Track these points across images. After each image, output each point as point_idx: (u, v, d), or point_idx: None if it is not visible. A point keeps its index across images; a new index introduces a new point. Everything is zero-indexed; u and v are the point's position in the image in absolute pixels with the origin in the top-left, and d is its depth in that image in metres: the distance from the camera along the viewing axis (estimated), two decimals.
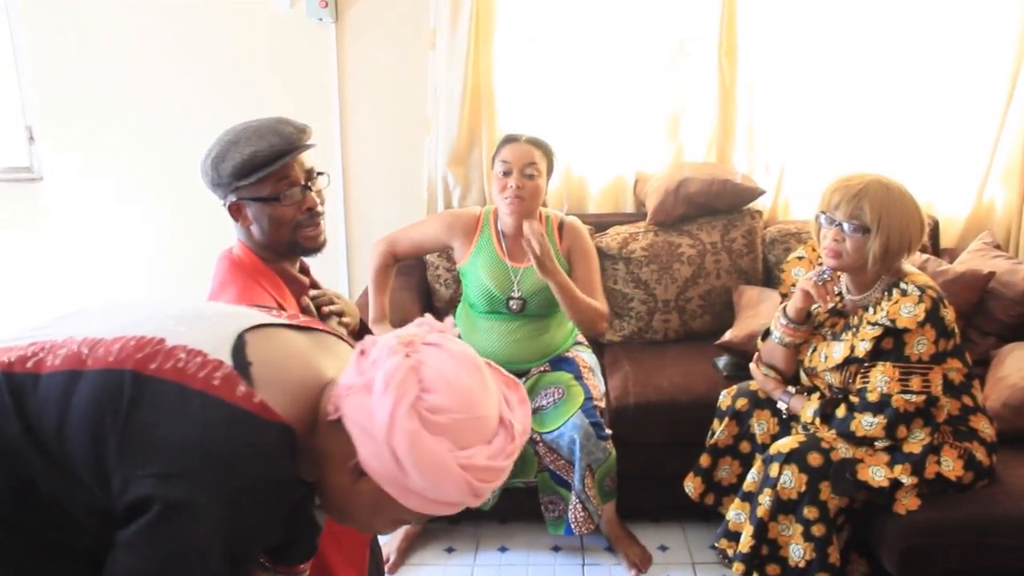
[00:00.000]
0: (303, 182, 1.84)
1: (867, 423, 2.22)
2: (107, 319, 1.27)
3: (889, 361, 2.21)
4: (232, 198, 1.84)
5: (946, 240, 3.43)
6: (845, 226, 2.21)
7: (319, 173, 1.90)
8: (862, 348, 2.24)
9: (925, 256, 3.02)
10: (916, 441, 2.23)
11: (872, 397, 2.22)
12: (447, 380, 1.11)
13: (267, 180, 1.80)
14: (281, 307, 1.84)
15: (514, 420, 1.17)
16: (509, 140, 2.75)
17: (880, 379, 2.21)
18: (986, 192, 3.41)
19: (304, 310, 1.92)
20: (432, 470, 1.08)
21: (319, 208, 1.88)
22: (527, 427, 1.19)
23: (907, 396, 2.19)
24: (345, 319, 1.97)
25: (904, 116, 3.37)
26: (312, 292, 1.99)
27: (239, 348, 1.19)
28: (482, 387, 1.15)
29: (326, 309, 1.95)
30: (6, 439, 1.17)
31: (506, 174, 2.69)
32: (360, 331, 2.02)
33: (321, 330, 1.35)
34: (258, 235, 1.87)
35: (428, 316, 1.24)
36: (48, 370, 1.19)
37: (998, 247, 3.15)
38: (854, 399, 2.27)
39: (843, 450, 2.25)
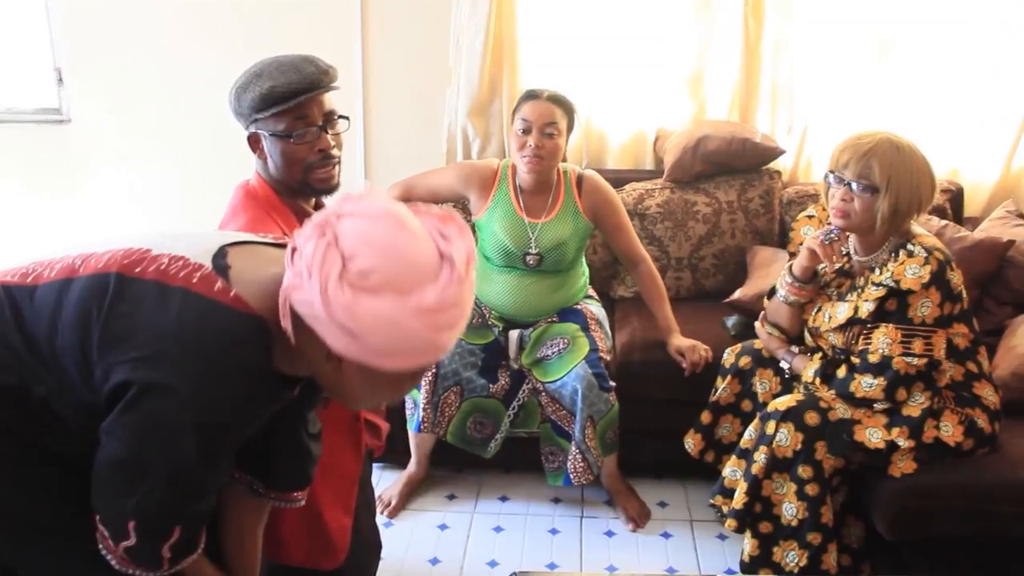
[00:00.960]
0: (320, 123, 1.85)
1: (867, 384, 2.21)
2: (105, 239, 1.35)
3: (892, 323, 2.18)
4: (251, 129, 1.87)
5: (971, 209, 3.36)
6: (854, 185, 2.18)
7: (340, 116, 1.91)
8: (866, 309, 2.22)
9: (944, 222, 2.96)
10: (916, 405, 2.21)
11: (873, 358, 2.20)
12: (366, 242, 1.12)
13: (283, 116, 1.81)
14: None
15: (452, 250, 1.16)
16: (530, 96, 2.72)
17: (882, 340, 2.19)
18: (1015, 161, 3.33)
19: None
20: (386, 328, 1.10)
21: (333, 151, 1.89)
22: (470, 251, 1.18)
23: (908, 359, 2.16)
24: None
25: (932, 79, 3.30)
26: None
27: (220, 255, 1.27)
28: (406, 234, 1.14)
29: None
30: (7, 348, 1.27)
31: (525, 132, 2.67)
32: None
33: None
34: (272, 169, 1.89)
35: (345, 193, 1.23)
36: (44, 281, 1.29)
37: (1021, 216, 3.08)
38: (855, 360, 2.26)
39: (841, 410, 2.23)
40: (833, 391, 2.27)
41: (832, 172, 2.24)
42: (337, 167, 1.92)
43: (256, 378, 1.23)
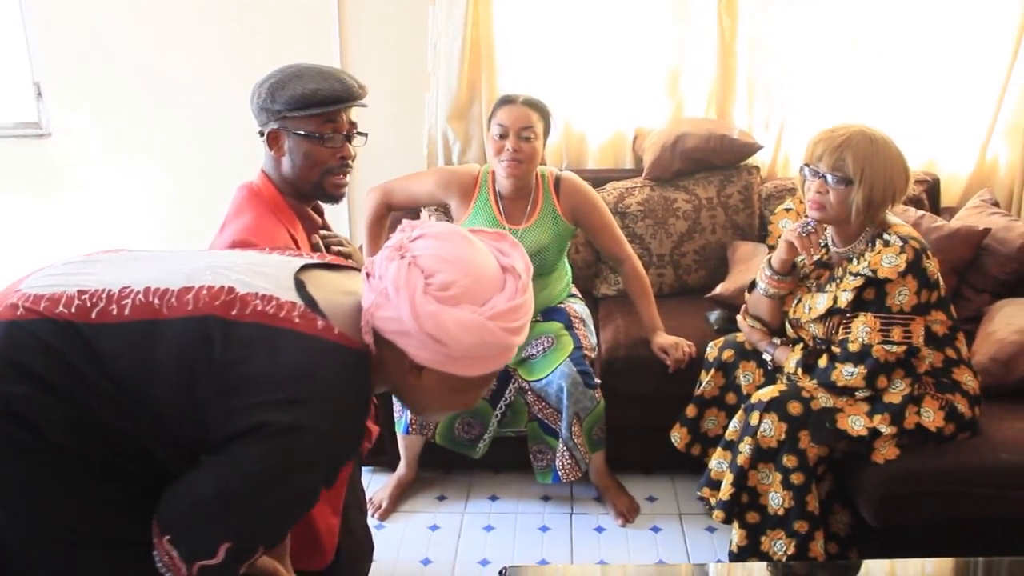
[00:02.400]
0: (345, 132, 1.92)
1: (847, 373, 2.23)
2: (154, 267, 1.36)
3: (871, 312, 2.21)
4: (274, 125, 1.89)
5: (948, 199, 3.40)
6: (828, 178, 2.21)
7: (360, 132, 1.98)
8: (844, 299, 2.25)
9: (920, 212, 3.00)
10: (896, 391, 2.24)
11: (853, 347, 2.23)
12: (442, 259, 1.25)
13: (317, 118, 1.87)
14: (295, 240, 1.91)
15: (513, 262, 1.32)
16: (505, 101, 2.73)
17: (861, 329, 2.22)
18: (989, 150, 3.38)
19: (314, 247, 2.00)
20: (469, 333, 1.23)
21: (351, 161, 1.96)
22: (527, 264, 1.34)
23: (888, 347, 2.19)
24: (351, 262, 2.01)
25: (907, 72, 3.34)
26: (322, 232, 2.05)
27: (301, 287, 1.32)
28: (474, 250, 1.29)
29: (335, 248, 2.04)
30: (84, 383, 1.25)
31: (502, 137, 2.69)
32: None
33: (345, 266, 1.49)
34: (287, 168, 1.92)
35: (404, 221, 1.36)
36: (116, 320, 1.27)
37: (996, 204, 3.13)
38: (836, 350, 2.28)
39: (823, 399, 2.26)
40: (815, 381, 2.30)
41: (807, 165, 2.27)
42: (349, 177, 1.98)
43: (366, 405, 1.34)
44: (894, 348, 2.19)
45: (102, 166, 3.71)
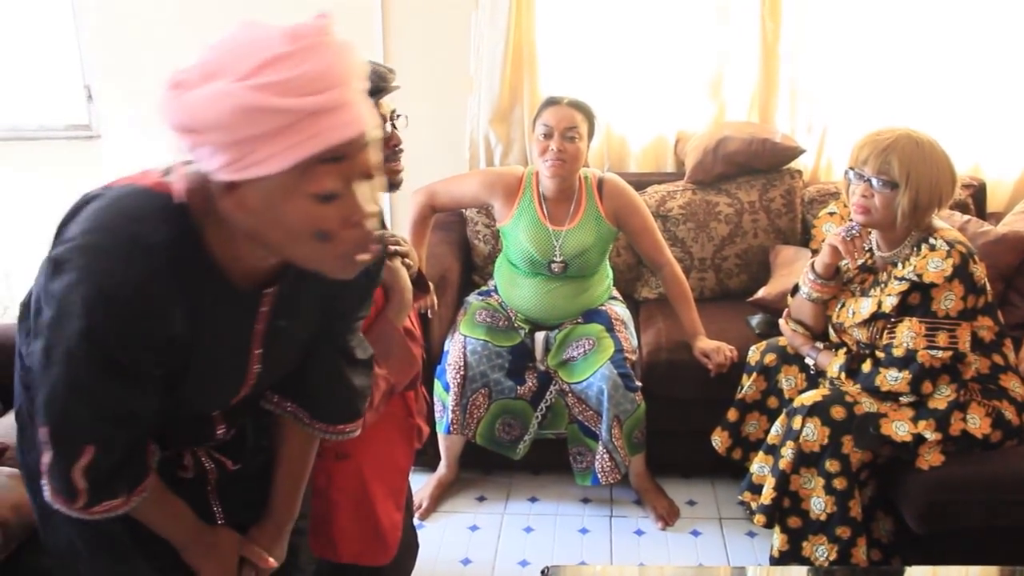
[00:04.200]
0: (386, 121, 1.91)
1: (892, 378, 2.22)
2: None
3: (916, 316, 2.20)
4: None
5: (994, 204, 3.36)
6: (874, 181, 2.20)
7: (399, 115, 1.96)
8: (889, 303, 2.23)
9: (967, 217, 2.97)
10: (941, 397, 2.22)
11: (898, 352, 2.22)
12: (208, 48, 1.11)
13: None
14: None
15: (300, 26, 1.09)
16: (550, 103, 2.76)
17: (906, 334, 2.20)
18: None
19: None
20: (215, 103, 1.03)
21: (400, 146, 1.94)
22: (322, 24, 1.11)
23: (933, 352, 2.18)
24: (408, 260, 2.02)
25: (952, 76, 3.30)
26: (379, 230, 2.06)
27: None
28: (239, 31, 1.11)
29: (392, 248, 1.99)
30: None
31: (547, 137, 2.71)
32: (417, 277, 2.07)
33: None
34: None
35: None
36: None
37: None
38: (880, 354, 2.27)
39: (867, 404, 2.25)
40: (858, 386, 2.29)
41: (852, 169, 2.26)
42: (403, 160, 1.96)
43: (150, 253, 1.12)
44: (939, 353, 2.18)
45: (152, 167, 3.77)
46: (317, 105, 1.02)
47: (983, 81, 3.30)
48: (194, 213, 1.15)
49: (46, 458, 1.20)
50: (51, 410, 1.17)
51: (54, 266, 1.12)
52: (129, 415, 1.20)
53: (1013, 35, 3.24)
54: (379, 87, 1.85)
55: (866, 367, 2.29)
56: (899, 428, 2.22)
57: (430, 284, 2.79)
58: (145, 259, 1.11)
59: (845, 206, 2.46)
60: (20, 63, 3.76)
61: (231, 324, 1.26)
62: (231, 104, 1.01)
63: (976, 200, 3.22)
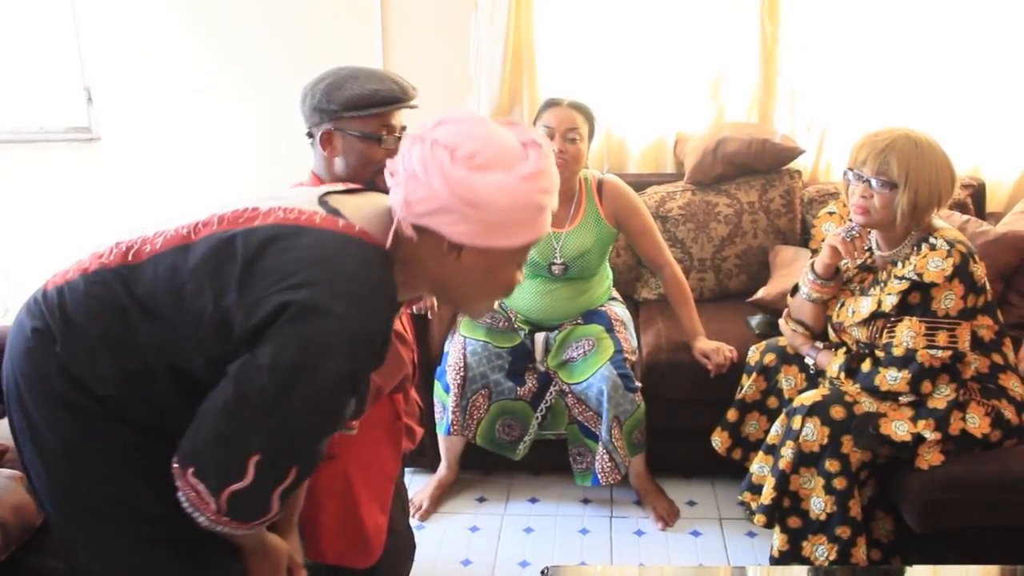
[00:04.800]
0: (397, 134, 1.93)
1: (891, 378, 2.22)
2: (196, 210, 1.40)
3: (916, 316, 2.20)
4: (328, 126, 1.88)
5: (993, 204, 3.36)
6: (872, 182, 2.20)
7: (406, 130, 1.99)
8: (889, 302, 2.23)
9: (966, 217, 2.97)
10: (941, 397, 2.22)
11: (897, 352, 2.22)
12: (464, 134, 1.28)
13: (374, 119, 1.87)
14: None
15: (533, 136, 1.33)
16: (551, 104, 2.76)
17: (906, 334, 2.20)
18: None
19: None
20: (503, 194, 1.25)
21: None
22: (547, 141, 1.34)
23: (933, 351, 2.18)
24: None
25: (952, 76, 3.31)
26: None
27: (324, 202, 1.35)
28: (493, 125, 1.32)
29: None
30: (129, 329, 1.31)
31: (548, 138, 2.71)
32: None
33: (366, 190, 1.50)
34: (340, 168, 1.92)
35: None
36: (149, 255, 1.33)
37: None
38: (880, 354, 2.27)
39: (867, 404, 2.25)
40: (858, 385, 2.29)
41: (851, 169, 2.26)
42: None
43: (389, 301, 1.31)
44: (939, 353, 2.18)
45: (152, 170, 3.78)
46: (552, 205, 1.33)
47: (982, 81, 3.30)
48: (392, 260, 1.33)
49: (238, 484, 1.22)
50: (277, 441, 1.22)
51: (305, 310, 1.20)
52: (334, 429, 1.33)
53: (1012, 35, 3.24)
54: (399, 97, 1.87)
55: (866, 367, 2.29)
56: (898, 428, 2.22)
57: None
58: (389, 307, 1.31)
59: (845, 206, 2.46)
60: (20, 65, 3.77)
61: None
62: (519, 198, 1.27)
63: (975, 200, 3.22)
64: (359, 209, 1.35)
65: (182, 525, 1.29)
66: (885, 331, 2.27)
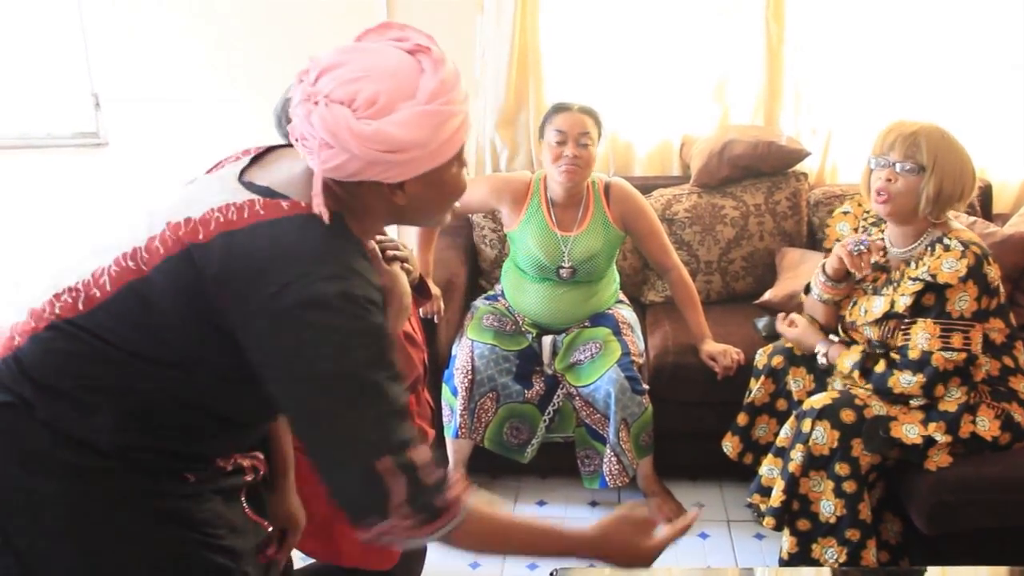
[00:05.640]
0: None
1: (905, 381, 2.22)
2: (114, 237, 1.33)
3: (930, 318, 2.19)
4: None
5: (1000, 205, 3.37)
6: (899, 166, 2.19)
7: None
8: (902, 303, 2.23)
9: (972, 218, 2.97)
10: (952, 399, 2.22)
11: (913, 355, 2.21)
12: (350, 80, 1.22)
13: None
14: None
15: (415, 41, 1.29)
16: (562, 109, 2.76)
17: (921, 336, 2.20)
18: None
19: (371, 253, 2.00)
20: (418, 127, 1.22)
21: None
22: (428, 38, 1.31)
23: (947, 354, 2.17)
24: (408, 265, 2.02)
25: (958, 78, 3.31)
26: (378, 236, 2.06)
27: (250, 184, 1.30)
28: (375, 55, 1.26)
29: (390, 253, 2.00)
30: (114, 369, 1.26)
31: (561, 143, 2.71)
32: (419, 283, 2.08)
33: (275, 147, 1.44)
34: None
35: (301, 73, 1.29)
36: (102, 299, 1.26)
37: None
38: (895, 356, 2.26)
39: (876, 407, 2.25)
40: (870, 386, 2.28)
41: (875, 156, 2.25)
42: None
43: (363, 256, 1.30)
44: (954, 355, 2.17)
45: (160, 176, 3.79)
46: (467, 105, 1.30)
47: (988, 83, 3.30)
48: (344, 216, 1.30)
49: (399, 491, 1.18)
50: (377, 436, 1.19)
51: (302, 309, 1.18)
52: (405, 402, 1.27)
53: (1017, 37, 3.24)
54: None
55: (879, 368, 2.28)
56: (909, 431, 2.22)
57: (436, 289, 2.81)
58: (365, 262, 1.29)
59: (860, 205, 2.46)
60: (28, 71, 3.77)
61: None
62: (434, 121, 1.23)
63: (982, 201, 3.23)
64: (288, 177, 1.31)
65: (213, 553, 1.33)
66: (899, 333, 2.26)
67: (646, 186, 3.28)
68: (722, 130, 3.37)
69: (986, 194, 3.26)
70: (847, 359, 2.35)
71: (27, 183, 3.86)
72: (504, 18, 3.34)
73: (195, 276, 1.22)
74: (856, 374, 2.32)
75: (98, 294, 1.27)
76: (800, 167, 3.34)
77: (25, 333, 1.29)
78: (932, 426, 2.21)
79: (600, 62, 3.44)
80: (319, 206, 1.22)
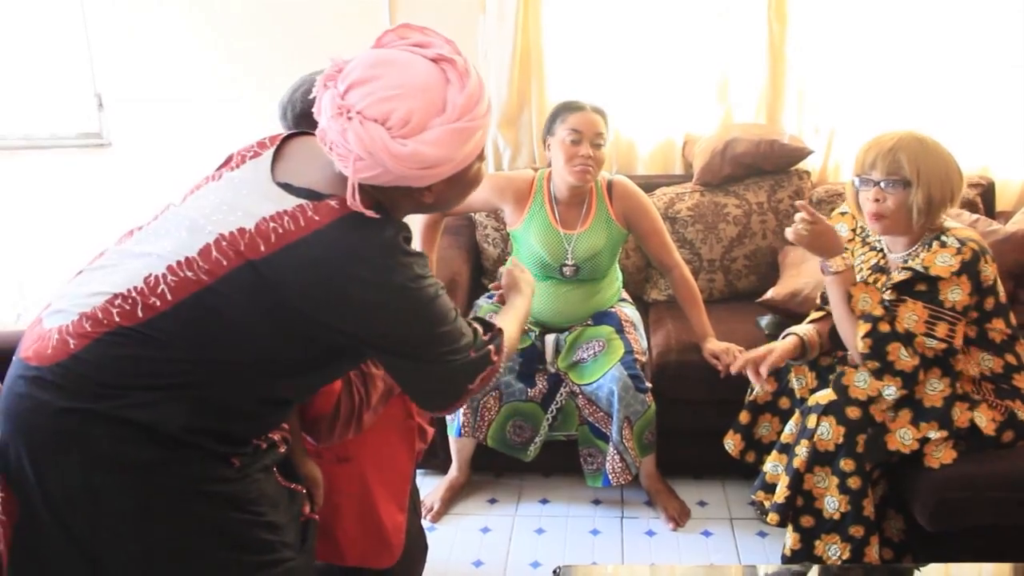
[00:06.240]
0: None
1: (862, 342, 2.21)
2: (152, 246, 1.39)
3: (922, 301, 2.19)
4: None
5: (1003, 203, 3.36)
6: (884, 183, 2.19)
7: None
8: (888, 284, 2.24)
9: (975, 216, 2.97)
10: (936, 393, 2.21)
11: (898, 327, 2.20)
12: (383, 99, 1.29)
13: None
14: None
15: (437, 50, 1.35)
16: (576, 108, 2.74)
17: (908, 316, 2.19)
18: None
19: None
20: (450, 144, 1.31)
21: None
22: (448, 40, 1.39)
23: (928, 341, 2.17)
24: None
25: (961, 75, 3.31)
26: None
27: (288, 186, 1.37)
28: (403, 69, 1.32)
29: None
30: (188, 370, 1.32)
31: (575, 142, 2.70)
32: None
33: (290, 136, 1.53)
34: None
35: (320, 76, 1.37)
36: (164, 308, 1.31)
37: None
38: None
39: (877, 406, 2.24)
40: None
41: (858, 176, 2.26)
42: None
43: (410, 239, 1.42)
44: (933, 344, 2.17)
45: (163, 176, 3.80)
46: (490, 115, 1.39)
47: (991, 81, 3.30)
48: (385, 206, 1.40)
49: (485, 350, 1.53)
50: (464, 340, 1.49)
51: (395, 290, 1.37)
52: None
53: (1020, 35, 3.24)
54: None
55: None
56: (904, 437, 2.21)
57: None
58: (407, 247, 1.40)
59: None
60: (31, 72, 3.79)
61: None
62: (464, 137, 1.32)
63: (985, 199, 3.22)
64: (322, 175, 1.39)
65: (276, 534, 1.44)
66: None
67: (649, 184, 3.28)
68: (724, 128, 3.37)
69: (989, 192, 3.26)
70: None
71: (31, 184, 3.88)
72: (506, 18, 3.35)
73: (267, 289, 1.31)
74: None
75: (158, 303, 1.31)
76: (803, 165, 3.34)
77: (83, 336, 1.31)
78: (924, 426, 2.20)
79: (602, 61, 3.44)
80: (356, 206, 1.32)
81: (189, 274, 1.31)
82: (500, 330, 1.60)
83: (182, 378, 1.32)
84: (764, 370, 2.42)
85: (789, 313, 2.83)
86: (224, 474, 1.38)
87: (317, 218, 1.32)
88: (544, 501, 2.93)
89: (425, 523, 2.75)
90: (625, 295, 3.05)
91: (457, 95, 1.30)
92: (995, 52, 3.27)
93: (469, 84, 1.32)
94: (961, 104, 3.33)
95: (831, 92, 3.38)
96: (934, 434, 2.19)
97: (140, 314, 1.31)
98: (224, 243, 1.32)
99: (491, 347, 1.54)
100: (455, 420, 2.77)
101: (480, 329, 1.55)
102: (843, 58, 3.34)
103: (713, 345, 2.77)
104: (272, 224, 1.31)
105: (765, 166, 3.25)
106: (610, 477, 2.69)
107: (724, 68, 3.43)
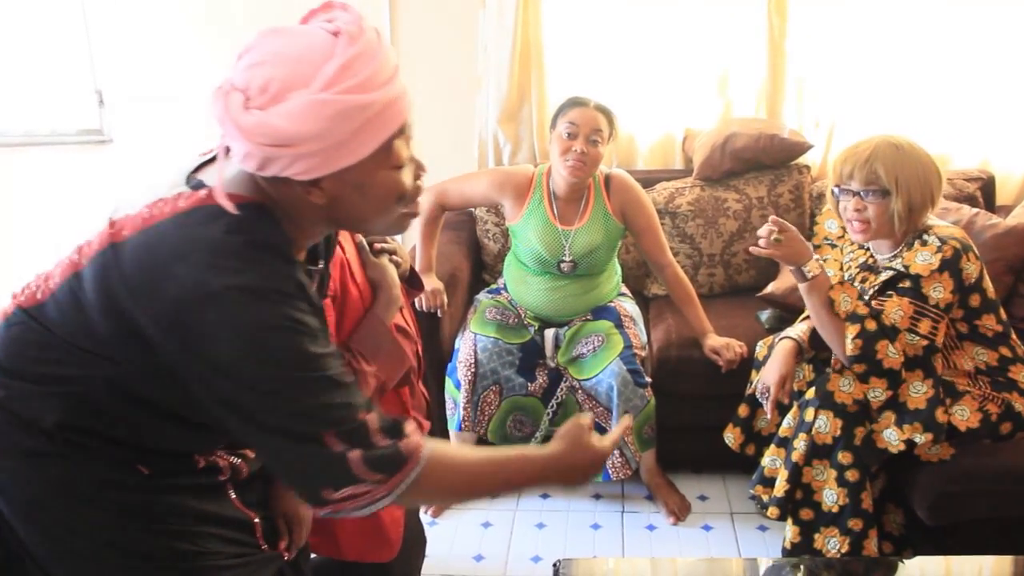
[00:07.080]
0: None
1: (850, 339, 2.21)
2: (84, 231, 1.34)
3: (907, 297, 2.20)
4: None
5: (1003, 197, 3.36)
6: (863, 194, 2.21)
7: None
8: (871, 285, 2.26)
9: (975, 210, 2.97)
10: (919, 395, 2.21)
11: (885, 321, 2.21)
12: (253, 64, 1.16)
13: None
14: (340, 244, 1.92)
15: (339, 24, 1.18)
16: (577, 103, 2.75)
17: (894, 311, 2.20)
18: None
19: (359, 246, 2.00)
20: (306, 119, 1.10)
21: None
22: (357, 16, 1.21)
23: (910, 336, 2.18)
24: (396, 258, 2.02)
25: (960, 69, 3.30)
26: None
27: (190, 178, 1.26)
28: (287, 38, 1.18)
29: (378, 245, 1.99)
30: (64, 358, 1.26)
31: (571, 137, 2.71)
32: (410, 275, 2.08)
33: None
34: None
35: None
36: (52, 288, 1.28)
37: None
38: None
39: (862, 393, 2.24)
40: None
41: (837, 186, 2.27)
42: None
43: (271, 249, 1.19)
44: (915, 340, 2.18)
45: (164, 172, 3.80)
46: (390, 93, 1.17)
47: (991, 75, 3.30)
48: (271, 210, 1.23)
49: (356, 458, 1.17)
50: (320, 411, 1.17)
51: (210, 300, 1.13)
52: (342, 375, 1.23)
53: (1020, 29, 3.24)
54: None
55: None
56: (891, 437, 2.21)
57: (440, 283, 2.82)
58: (270, 254, 1.19)
59: None
60: (32, 69, 3.79)
61: None
62: (328, 112, 1.11)
63: (985, 193, 3.22)
64: (225, 170, 1.22)
65: (179, 551, 1.32)
66: (875, 302, 2.26)
67: (649, 179, 3.28)
68: (724, 123, 3.37)
69: (989, 186, 3.25)
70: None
71: (32, 180, 3.88)
72: (506, 13, 3.35)
73: (113, 275, 1.20)
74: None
75: (52, 285, 1.29)
76: (803, 160, 3.33)
77: (3, 314, 1.32)
78: (907, 428, 2.20)
79: (603, 55, 3.44)
80: (220, 196, 1.16)
81: (75, 257, 1.27)
82: (420, 449, 1.25)
83: (55, 367, 1.26)
84: (786, 398, 2.40)
85: (789, 307, 2.83)
86: (126, 480, 1.31)
87: (181, 205, 1.19)
88: (545, 496, 2.94)
89: (426, 518, 2.76)
90: (625, 289, 3.06)
91: (330, 65, 1.12)
92: (995, 46, 3.27)
93: (350, 52, 1.13)
94: (961, 98, 3.33)
95: (831, 86, 3.38)
96: (920, 437, 2.19)
97: (39, 296, 1.29)
98: (107, 227, 1.25)
99: (401, 451, 1.22)
100: (455, 415, 2.77)
101: (405, 428, 1.25)
102: (843, 52, 3.34)
103: (713, 341, 2.78)
104: (148, 210, 1.21)
105: (765, 160, 3.25)
106: (610, 472, 2.70)
107: (724, 62, 3.43)
